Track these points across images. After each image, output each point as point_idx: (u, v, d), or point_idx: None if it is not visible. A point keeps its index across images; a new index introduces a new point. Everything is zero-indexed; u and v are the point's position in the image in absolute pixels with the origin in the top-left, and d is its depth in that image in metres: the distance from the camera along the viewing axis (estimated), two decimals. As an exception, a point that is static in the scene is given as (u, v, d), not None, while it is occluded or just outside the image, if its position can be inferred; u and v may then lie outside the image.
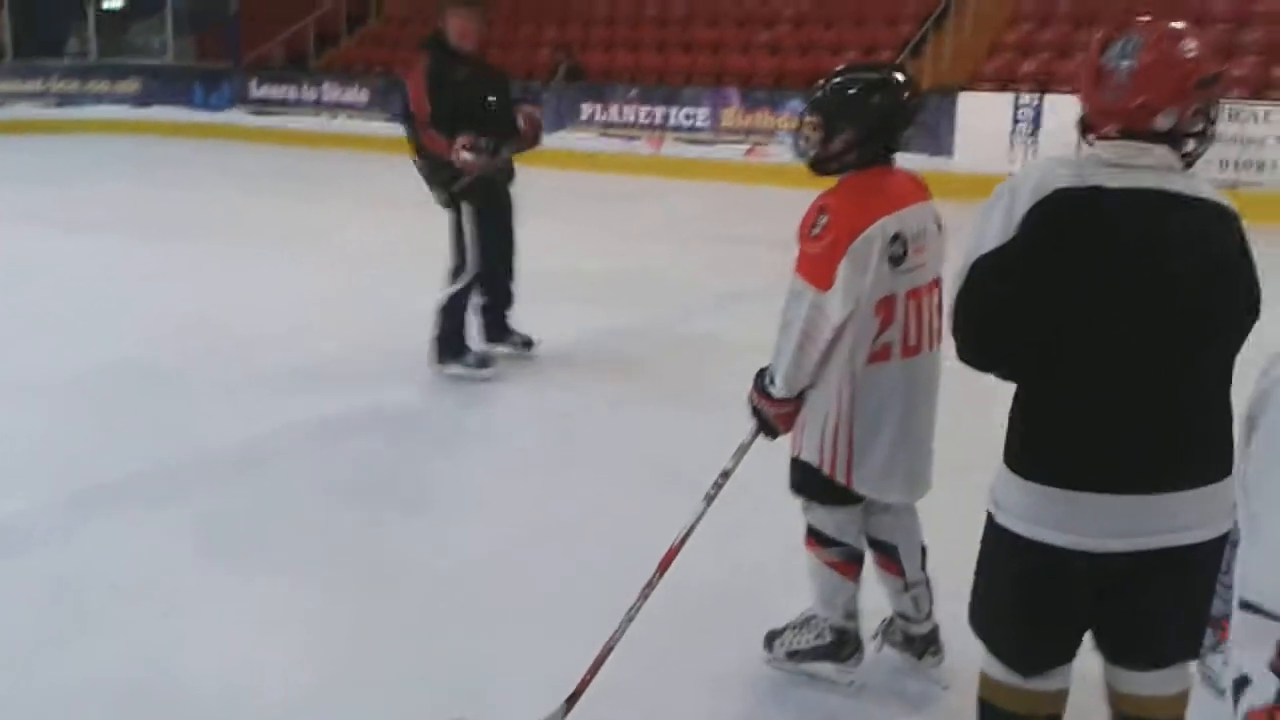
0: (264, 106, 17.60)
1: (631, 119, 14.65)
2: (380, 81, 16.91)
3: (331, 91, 17.13)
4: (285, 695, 2.81)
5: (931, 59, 14.02)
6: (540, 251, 7.85)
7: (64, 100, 18.12)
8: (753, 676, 2.92)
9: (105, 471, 4.23)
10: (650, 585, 2.65)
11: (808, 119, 2.62)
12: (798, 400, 2.62)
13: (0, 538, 3.70)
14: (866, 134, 2.56)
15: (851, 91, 2.60)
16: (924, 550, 2.82)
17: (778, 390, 2.60)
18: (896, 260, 2.50)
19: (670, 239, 9.45)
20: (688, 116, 14.32)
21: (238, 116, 17.52)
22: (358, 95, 16.86)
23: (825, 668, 2.83)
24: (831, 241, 2.48)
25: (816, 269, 2.50)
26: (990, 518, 2.06)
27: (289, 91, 17.55)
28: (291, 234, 9.36)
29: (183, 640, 3.07)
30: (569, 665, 2.60)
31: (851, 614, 2.81)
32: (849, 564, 2.76)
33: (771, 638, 2.92)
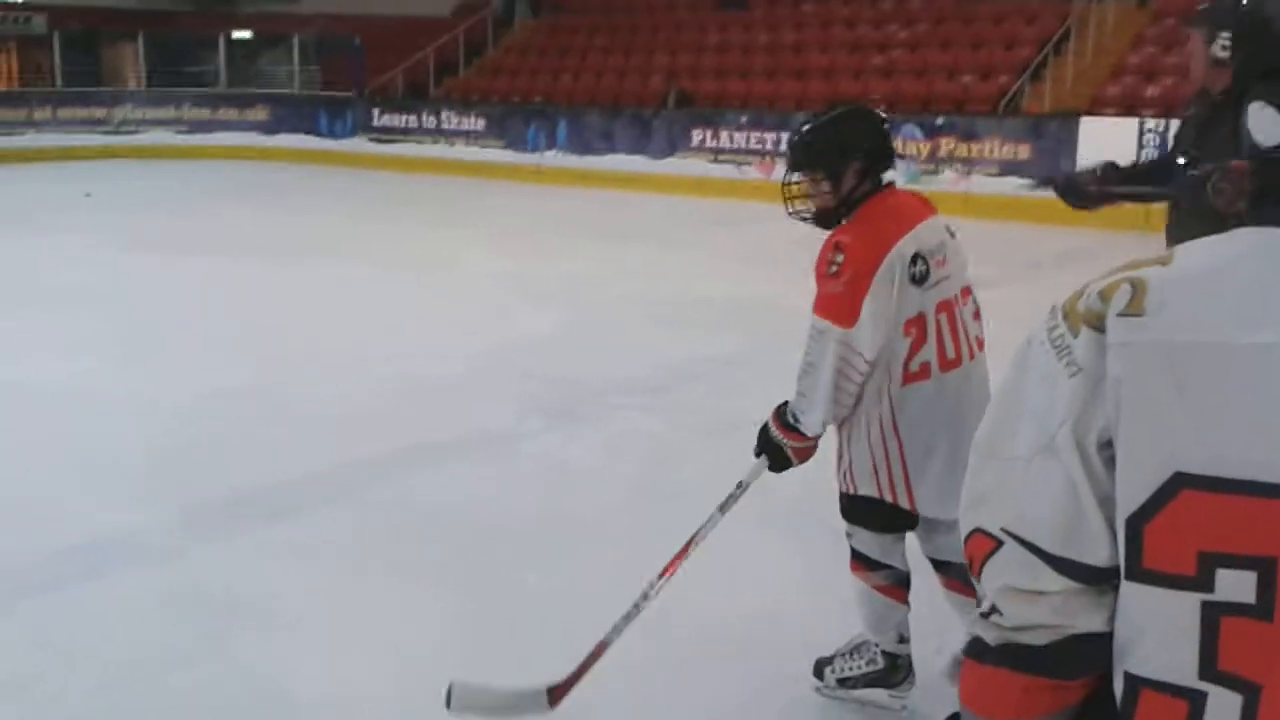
0: (385, 134, 18.09)
1: (742, 145, 14.66)
2: (498, 109, 17.26)
3: (450, 119, 17.54)
4: (396, 714, 2.83)
5: (1052, 82, 13.72)
6: (648, 276, 7.90)
7: (194, 127, 18.90)
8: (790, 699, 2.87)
9: (221, 489, 4.34)
10: (652, 589, 2.59)
11: (803, 179, 2.63)
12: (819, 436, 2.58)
13: (118, 550, 3.82)
14: (869, 161, 2.57)
15: (839, 130, 2.62)
16: None
17: (809, 429, 2.55)
18: (920, 279, 2.47)
19: (779, 265, 9.39)
20: (799, 142, 14.25)
21: (360, 144, 18.04)
22: (475, 123, 17.22)
23: (878, 694, 2.77)
24: (851, 277, 2.44)
25: (839, 307, 2.45)
26: None
27: (409, 120, 18.03)
28: (411, 259, 9.57)
29: (294, 657, 3.12)
30: (665, 679, 2.56)
31: (904, 638, 2.75)
32: (897, 587, 2.71)
33: (821, 666, 2.85)
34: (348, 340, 6.66)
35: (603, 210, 13.22)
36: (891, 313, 2.44)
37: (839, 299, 2.45)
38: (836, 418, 2.56)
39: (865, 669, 2.78)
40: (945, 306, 2.51)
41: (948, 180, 13.10)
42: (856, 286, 2.42)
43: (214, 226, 11.37)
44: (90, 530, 3.95)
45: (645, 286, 6.53)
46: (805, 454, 2.61)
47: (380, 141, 18.05)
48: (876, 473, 2.56)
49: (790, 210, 2.68)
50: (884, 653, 2.76)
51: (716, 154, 14.68)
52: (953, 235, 2.62)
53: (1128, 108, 12.40)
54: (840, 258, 2.46)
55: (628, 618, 2.56)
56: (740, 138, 14.68)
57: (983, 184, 12.72)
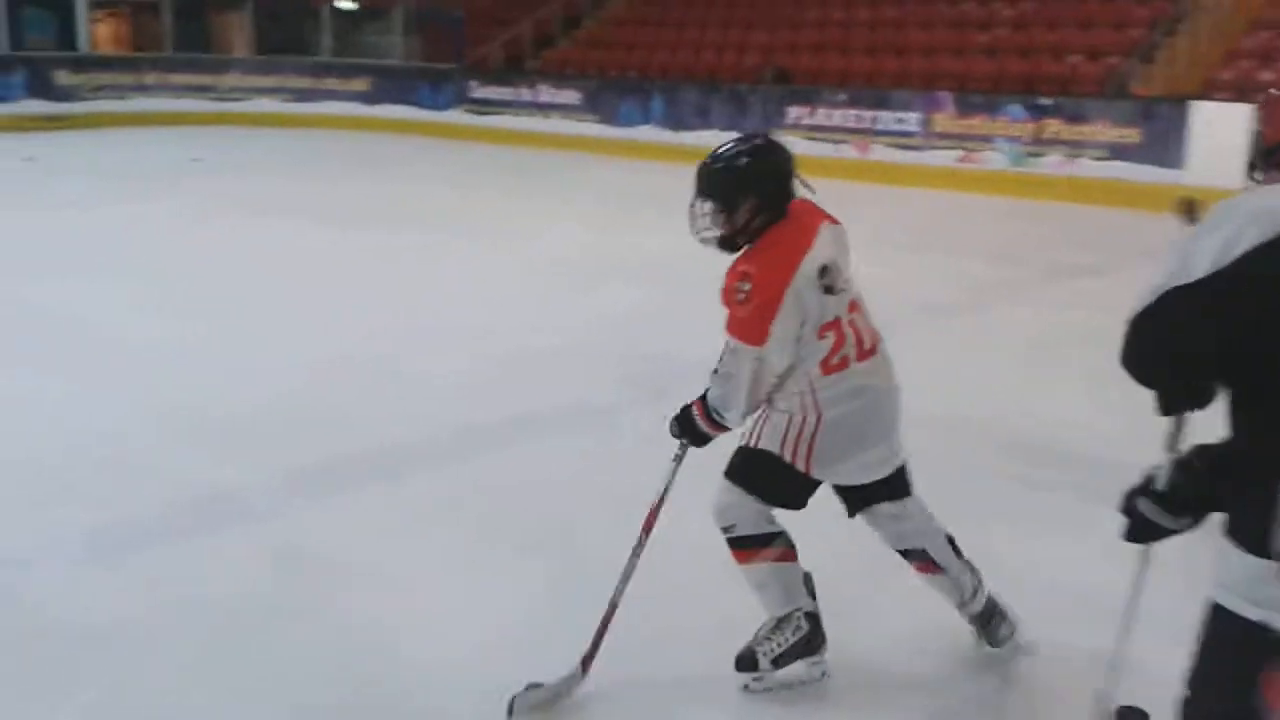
0: (483, 106, 18.27)
1: (839, 123, 14.50)
2: (593, 83, 17.31)
3: (546, 92, 17.64)
4: (494, 680, 2.90)
5: (1163, 65, 13.32)
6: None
7: (299, 96, 19.28)
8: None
9: (324, 454, 4.47)
10: (640, 545, 2.85)
11: (704, 206, 2.77)
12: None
13: (226, 507, 3.96)
14: (766, 200, 2.73)
15: (741, 168, 2.76)
16: (950, 538, 2.92)
17: (732, 423, 2.80)
18: (832, 289, 2.68)
19: (874, 247, 9.29)
20: (898, 121, 14.06)
21: (458, 116, 18.25)
22: (571, 97, 17.30)
23: (797, 669, 2.88)
24: (759, 304, 2.63)
25: (749, 329, 2.67)
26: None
27: (506, 92, 18.17)
28: (505, 230, 9.70)
29: (398, 619, 3.21)
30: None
31: (812, 592, 2.88)
32: (788, 550, 2.84)
33: (748, 659, 2.88)
34: (447, 309, 6.79)
35: (696, 186, 13.19)
36: (795, 329, 2.66)
37: (748, 322, 2.66)
38: (755, 409, 2.79)
39: (793, 638, 2.85)
40: (854, 306, 2.77)
41: (1052, 163, 12.82)
42: (764, 311, 2.63)
43: (317, 194, 11.63)
44: (199, 488, 4.11)
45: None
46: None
47: (478, 113, 18.23)
48: (785, 435, 2.74)
49: (694, 233, 2.82)
50: (806, 614, 2.85)
51: (813, 131, 14.56)
52: (848, 246, 2.84)
53: (1241, 93, 11.97)
54: (747, 286, 2.64)
55: (625, 577, 2.83)
56: (838, 115, 14.53)
57: (1089, 168, 12.42)
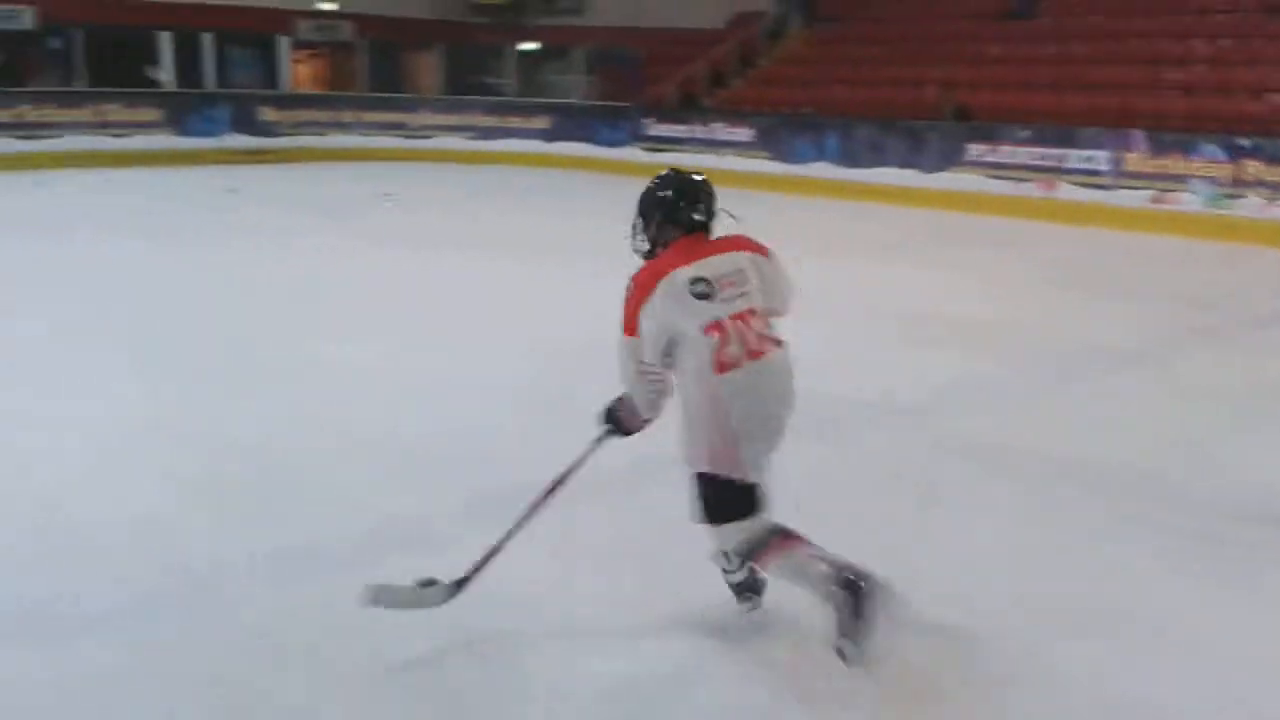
0: (658, 143, 18.54)
1: (1022, 161, 14.11)
2: (767, 120, 17.35)
3: (720, 129, 17.77)
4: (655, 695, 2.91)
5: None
6: (909, 292, 7.71)
7: (482, 134, 19.98)
8: None
9: (494, 483, 4.41)
10: (538, 502, 3.36)
11: (634, 222, 3.37)
12: None
13: (397, 533, 4.06)
14: (662, 223, 3.31)
15: (647, 196, 3.37)
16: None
17: (647, 415, 3.30)
18: (706, 296, 3.13)
19: (1059, 288, 9.00)
20: (1085, 159, 13.58)
21: (633, 153, 18.56)
22: (744, 133, 17.38)
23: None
24: (633, 300, 3.18)
25: (626, 321, 3.20)
26: None
27: (681, 129, 18.40)
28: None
29: (572, 648, 3.28)
30: None
31: (825, 558, 3.06)
32: (787, 538, 3.14)
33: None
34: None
35: (868, 224, 13.05)
36: (663, 327, 3.13)
37: (626, 315, 3.19)
38: (653, 405, 3.26)
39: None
40: (739, 317, 3.15)
41: (1252, 206, 12.15)
42: (635, 307, 3.16)
43: (498, 227, 11.99)
44: (374, 514, 4.23)
45: (907, 303, 6.39)
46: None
47: (652, 150, 18.50)
48: (717, 455, 3.13)
49: (631, 247, 3.40)
50: (835, 583, 2.98)
51: (994, 169, 14.21)
52: (759, 269, 3.28)
53: None
54: (631, 285, 3.20)
55: (519, 523, 3.37)
56: (1021, 153, 14.13)
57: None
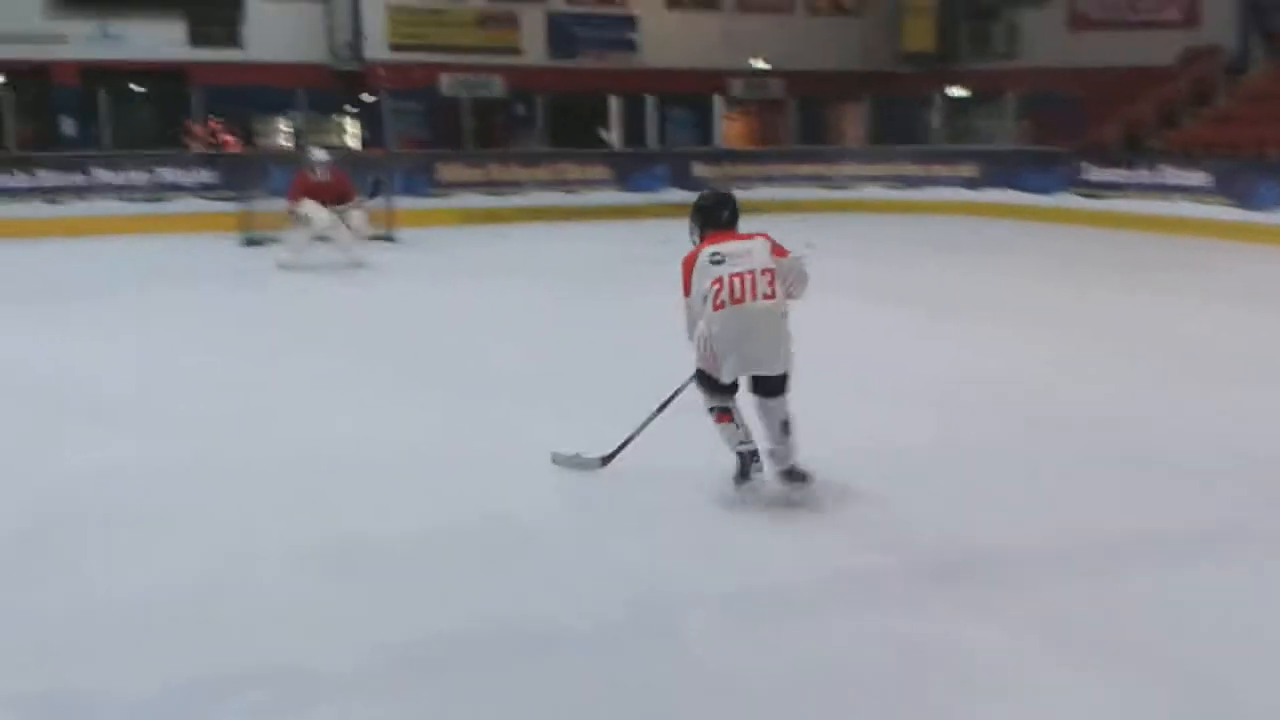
0: (1095, 190, 17.48)
1: None
2: (1226, 163, 15.84)
3: (1170, 173, 16.45)
4: None
5: None
6: None
7: (906, 183, 19.80)
8: None
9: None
10: (659, 410, 5.23)
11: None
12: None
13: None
14: (701, 224, 5.10)
15: (694, 204, 5.22)
16: (785, 422, 4.92)
17: (688, 336, 5.00)
18: (719, 263, 4.83)
19: None
20: None
21: (1067, 199, 17.61)
22: (1199, 178, 15.97)
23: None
24: (686, 272, 4.93)
25: (685, 286, 4.94)
26: None
27: (1122, 174, 17.24)
28: (1121, 324, 9.12)
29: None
30: None
31: (744, 441, 4.90)
32: (725, 413, 4.91)
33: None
34: (1034, 402, 6.61)
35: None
36: (699, 284, 4.84)
37: (685, 282, 4.93)
38: (704, 341, 4.85)
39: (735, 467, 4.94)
40: (738, 275, 4.78)
41: None
42: (686, 276, 4.92)
43: (916, 278, 11.80)
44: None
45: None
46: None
47: (1089, 196, 17.46)
48: (706, 361, 4.85)
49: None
50: (736, 453, 4.90)
51: None
52: (765, 251, 4.94)
53: None
54: (683, 262, 4.95)
55: (646, 422, 5.22)
56: None
57: None
